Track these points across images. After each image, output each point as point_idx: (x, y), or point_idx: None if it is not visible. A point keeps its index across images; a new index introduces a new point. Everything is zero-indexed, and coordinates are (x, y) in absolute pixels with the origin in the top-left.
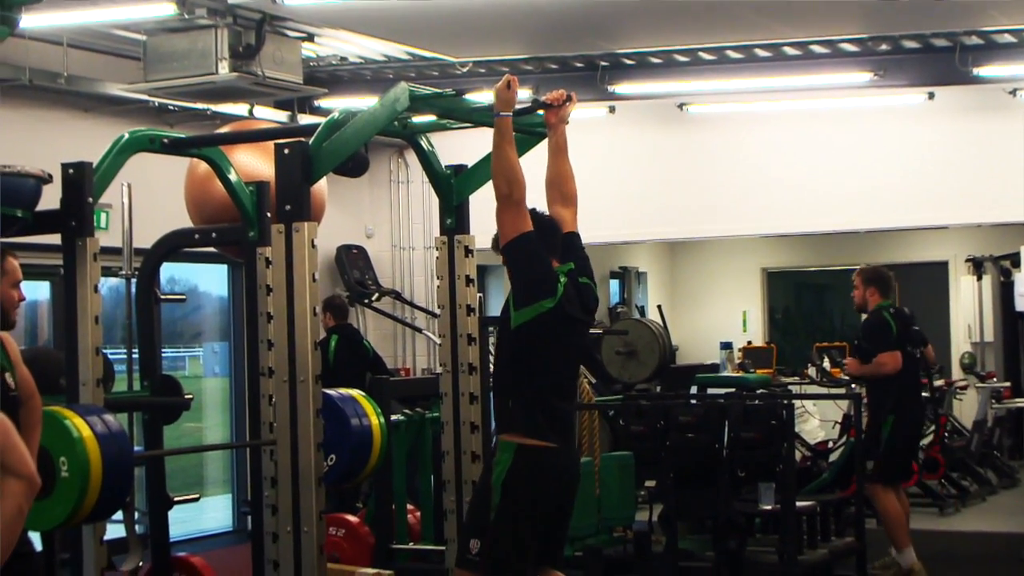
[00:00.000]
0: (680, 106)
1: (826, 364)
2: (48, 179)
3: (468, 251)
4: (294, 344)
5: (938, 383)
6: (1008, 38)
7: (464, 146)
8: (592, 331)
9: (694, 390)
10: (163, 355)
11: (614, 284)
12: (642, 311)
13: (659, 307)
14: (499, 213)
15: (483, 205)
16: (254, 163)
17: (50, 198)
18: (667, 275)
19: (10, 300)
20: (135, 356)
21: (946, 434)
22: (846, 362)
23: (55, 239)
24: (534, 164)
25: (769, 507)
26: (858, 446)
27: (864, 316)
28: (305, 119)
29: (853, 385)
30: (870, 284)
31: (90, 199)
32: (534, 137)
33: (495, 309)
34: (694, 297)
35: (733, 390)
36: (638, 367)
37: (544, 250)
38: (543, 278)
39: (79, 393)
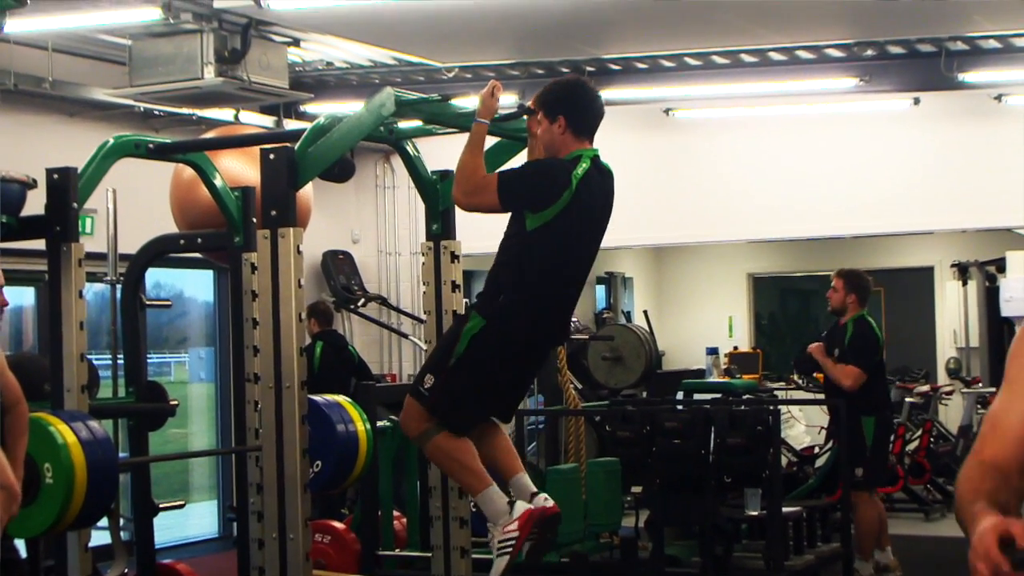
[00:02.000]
0: (666, 111)
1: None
2: (33, 184)
3: (454, 256)
4: (280, 350)
5: (923, 388)
6: (993, 43)
7: (450, 151)
8: (578, 337)
9: (680, 396)
10: (148, 361)
11: (600, 289)
12: (628, 316)
13: (645, 312)
14: (468, 208)
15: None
16: (240, 168)
17: (35, 203)
18: (653, 280)
19: None
20: (120, 362)
21: (932, 439)
22: (812, 347)
23: (40, 244)
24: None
25: (755, 513)
26: (843, 453)
27: (840, 320)
28: (291, 124)
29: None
30: (853, 291)
31: (75, 204)
32: (519, 142)
33: None
34: (680, 302)
35: (719, 396)
36: (624, 373)
37: (574, 134)
38: (550, 181)
39: (64, 399)
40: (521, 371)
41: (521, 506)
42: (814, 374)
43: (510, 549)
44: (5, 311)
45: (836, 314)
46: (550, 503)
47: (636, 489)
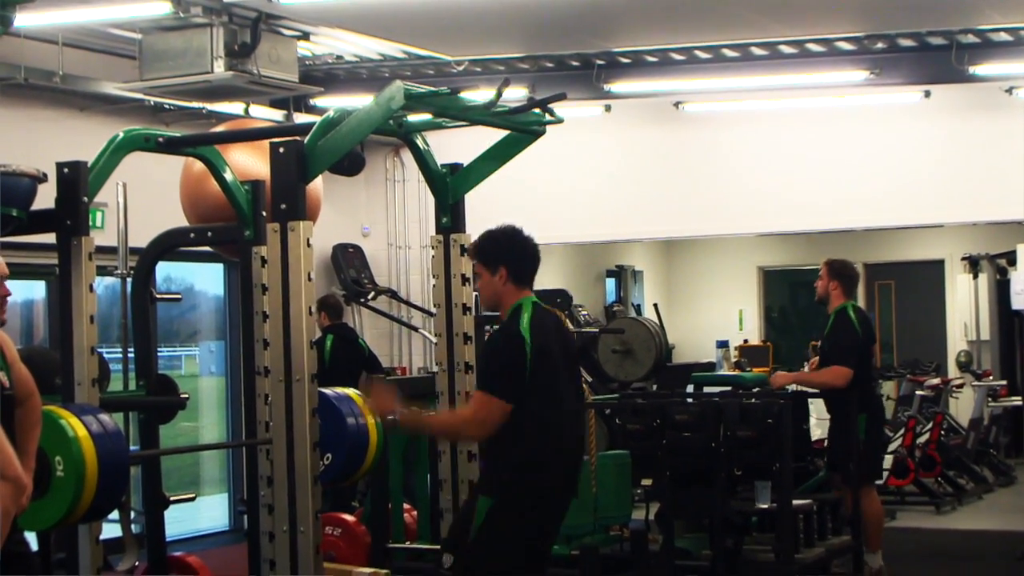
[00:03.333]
0: (676, 104)
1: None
2: (43, 178)
3: (464, 250)
4: (290, 343)
5: (934, 381)
6: (1004, 36)
7: (460, 145)
8: (588, 330)
9: (690, 389)
10: (159, 354)
11: (610, 282)
12: (638, 309)
13: (655, 305)
14: (493, 430)
15: (479, 203)
16: (250, 162)
17: (45, 197)
18: (663, 273)
19: None
20: (131, 355)
21: (942, 432)
22: (774, 377)
23: (50, 238)
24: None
25: (765, 506)
26: (831, 454)
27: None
28: (301, 118)
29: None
30: (835, 278)
31: (85, 198)
32: (528, 136)
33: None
34: (690, 295)
35: (729, 388)
36: (634, 366)
37: (515, 284)
38: (513, 354)
39: (75, 393)
40: (546, 527)
41: None
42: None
43: None
44: (8, 301)
45: (822, 303)
46: None
47: (646, 482)
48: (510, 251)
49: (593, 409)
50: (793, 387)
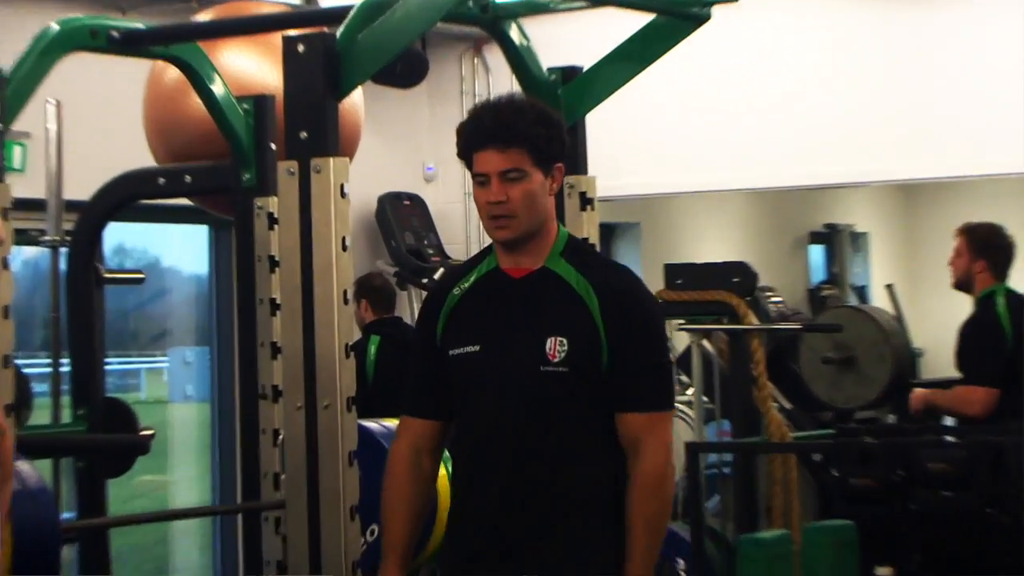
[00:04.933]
0: None
1: None
2: None
3: (585, 200)
4: (313, 349)
5: None
6: None
7: (576, 39)
8: (784, 327)
9: (950, 421)
10: (107, 367)
11: (816, 251)
12: (862, 294)
13: (889, 288)
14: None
15: (605, 131)
16: (251, 67)
17: None
18: (901, 237)
19: None
20: (64, 369)
21: None
22: (912, 396)
23: None
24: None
25: None
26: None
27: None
28: (329, 0)
29: None
30: (980, 255)
31: None
32: (686, 21)
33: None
34: (947, 273)
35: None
36: (858, 384)
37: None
38: None
39: None
40: None
41: None
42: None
43: None
44: None
45: (960, 289)
46: None
47: (883, 571)
48: None
49: (794, 452)
50: None
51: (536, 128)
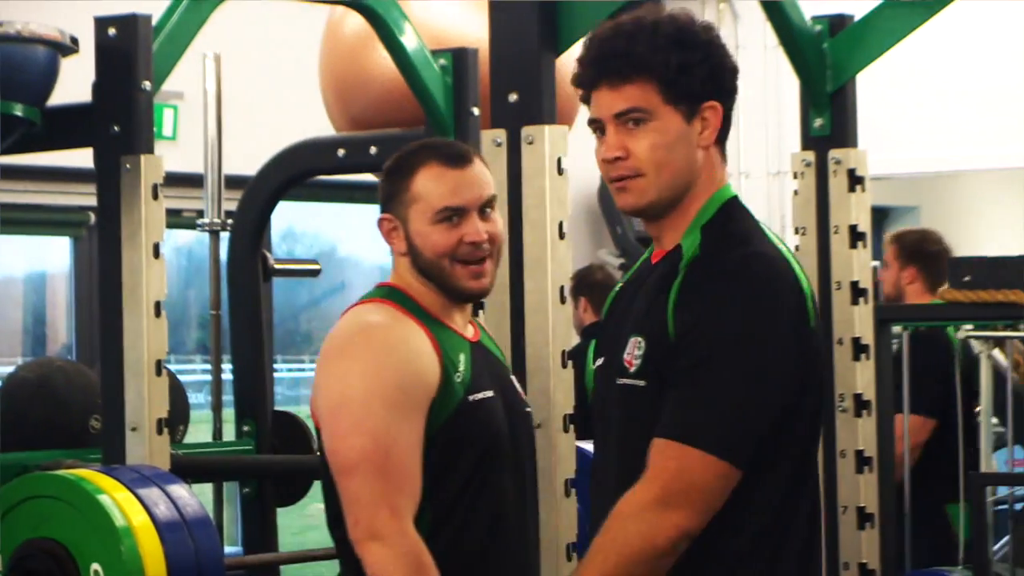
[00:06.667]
0: None
1: None
2: (72, 47)
3: (855, 179)
4: (523, 356)
5: None
6: None
7: None
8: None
9: None
10: (276, 375)
11: None
12: None
13: None
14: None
15: (879, 96)
16: (449, 16)
17: (74, 81)
18: None
19: None
20: (226, 377)
21: None
22: None
23: (82, 158)
24: None
25: None
26: None
27: None
28: None
29: None
30: (910, 261)
31: (146, 84)
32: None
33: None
34: None
35: None
36: None
37: None
38: None
39: (124, 444)
40: None
41: None
42: None
43: None
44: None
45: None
46: None
47: None
48: None
49: None
50: None
51: (664, 53)
